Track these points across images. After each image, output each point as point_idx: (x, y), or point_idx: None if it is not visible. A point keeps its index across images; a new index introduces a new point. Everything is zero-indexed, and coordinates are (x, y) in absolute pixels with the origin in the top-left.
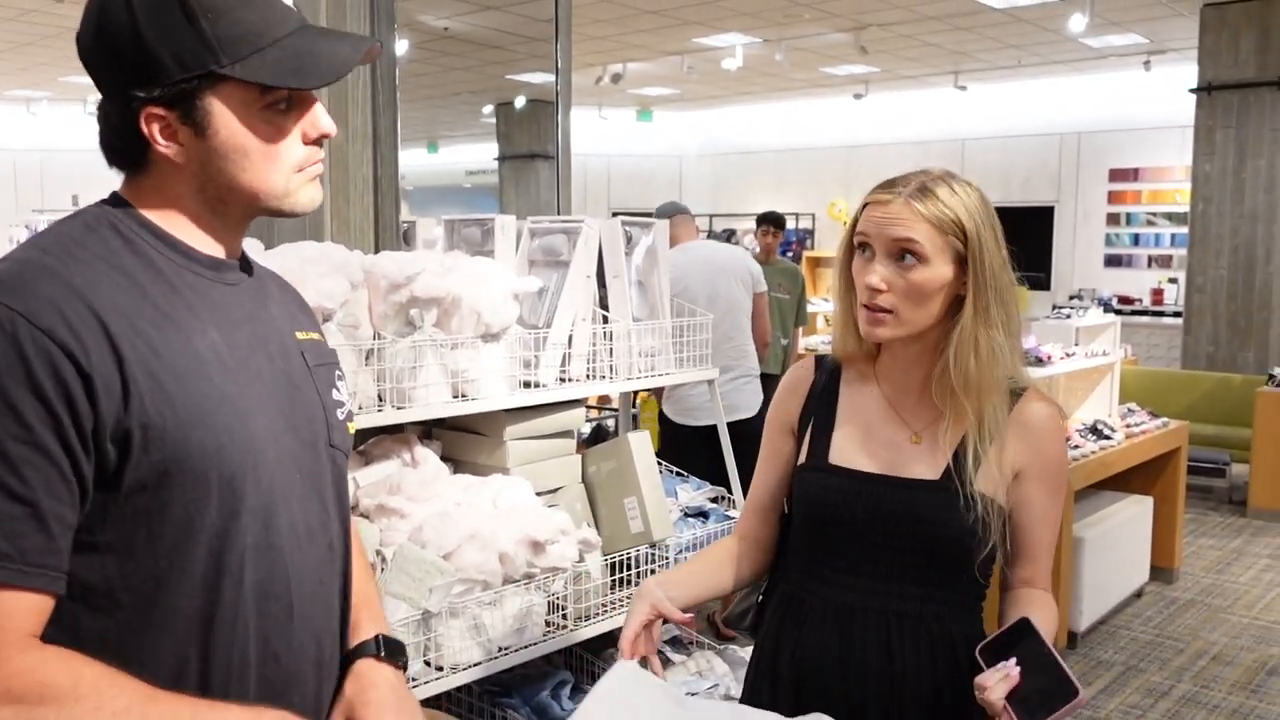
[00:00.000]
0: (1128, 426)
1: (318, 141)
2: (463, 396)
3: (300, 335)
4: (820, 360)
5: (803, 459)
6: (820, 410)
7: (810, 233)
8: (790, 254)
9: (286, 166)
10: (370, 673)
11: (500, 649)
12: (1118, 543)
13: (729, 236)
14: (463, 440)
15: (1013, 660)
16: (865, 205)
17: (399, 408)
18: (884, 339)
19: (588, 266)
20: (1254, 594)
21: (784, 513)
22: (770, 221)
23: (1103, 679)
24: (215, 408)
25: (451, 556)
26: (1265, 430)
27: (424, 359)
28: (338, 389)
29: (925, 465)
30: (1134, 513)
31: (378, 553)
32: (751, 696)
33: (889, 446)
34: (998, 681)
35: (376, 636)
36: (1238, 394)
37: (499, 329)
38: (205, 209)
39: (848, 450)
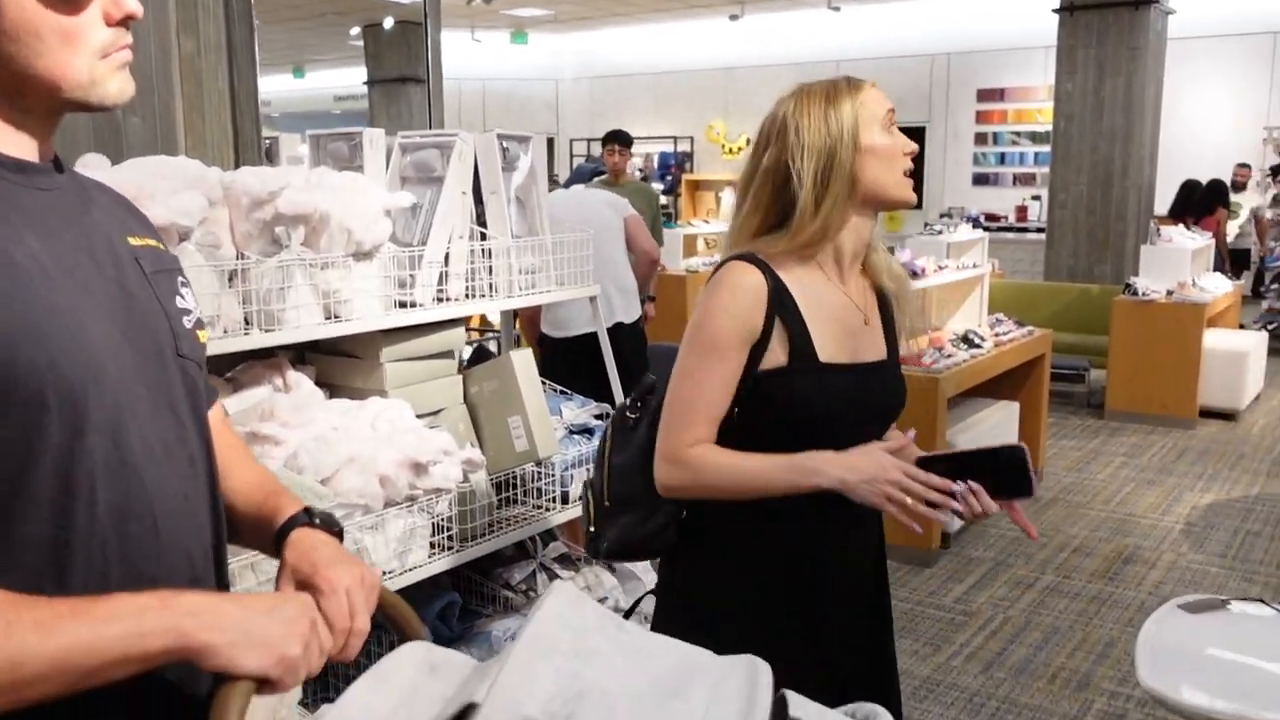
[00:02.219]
0: (996, 335)
1: (123, 24)
2: (335, 318)
3: (133, 241)
4: (760, 263)
5: (784, 361)
6: (785, 312)
7: (689, 155)
8: (669, 177)
9: (88, 51)
10: (308, 538)
11: (384, 572)
12: None
13: (594, 172)
14: (338, 364)
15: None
16: (859, 93)
17: (267, 330)
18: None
19: (463, 182)
20: (1110, 490)
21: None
22: (617, 140)
23: (973, 575)
24: (43, 321)
25: (330, 481)
26: (1121, 337)
27: (292, 279)
28: (182, 296)
29: (877, 346)
30: (1001, 417)
31: None
32: (721, 606)
33: (853, 334)
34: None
35: (306, 508)
36: (1096, 304)
37: (371, 247)
38: (4, 104)
39: (829, 347)
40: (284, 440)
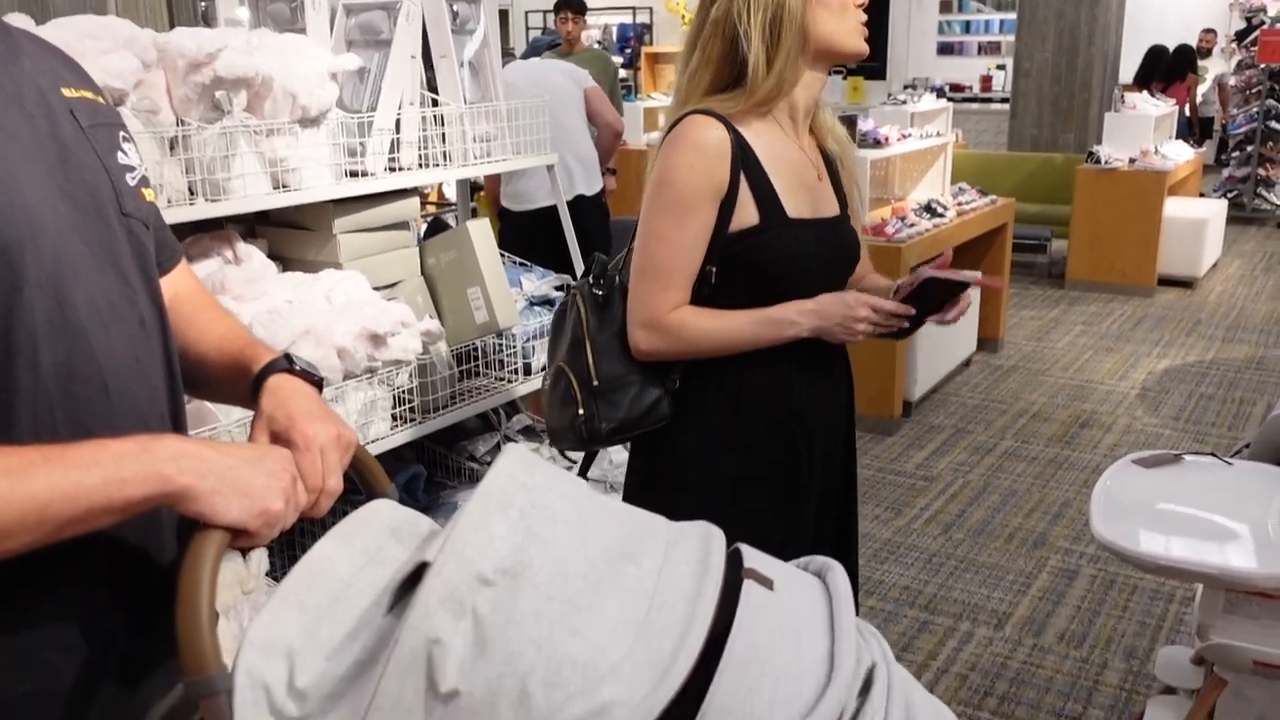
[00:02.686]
0: (959, 205)
1: None
2: (283, 187)
3: (67, 92)
4: (720, 118)
5: (755, 219)
6: (749, 168)
7: (648, 27)
8: (629, 50)
9: None
10: (287, 384)
11: None
12: None
13: (550, 44)
14: (289, 236)
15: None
16: None
17: (213, 200)
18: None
19: (411, 45)
20: (1069, 357)
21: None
22: (569, 7)
23: (934, 441)
24: None
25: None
26: (1083, 205)
27: (236, 147)
28: (124, 152)
29: (831, 201)
30: None
31: None
32: (704, 468)
33: (811, 189)
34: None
35: (285, 354)
36: (1059, 173)
37: (317, 112)
38: None
39: (793, 202)
40: (236, 313)
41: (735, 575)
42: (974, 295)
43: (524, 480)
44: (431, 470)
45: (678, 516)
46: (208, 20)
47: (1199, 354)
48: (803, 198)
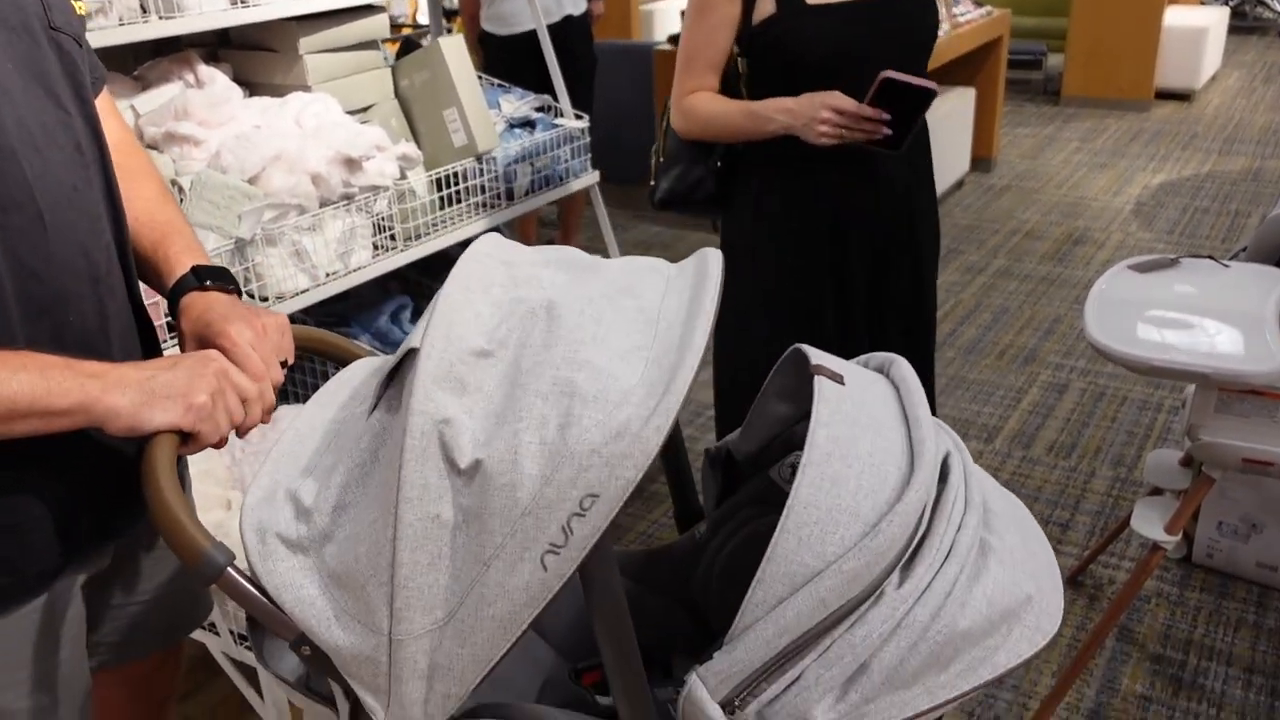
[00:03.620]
0: (953, 17)
1: None
2: (242, 3)
3: None
4: None
5: (772, 11)
6: None
7: None
8: None
9: None
10: (200, 301)
11: (327, 274)
12: (941, 135)
13: None
14: (254, 59)
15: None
16: None
17: (167, 17)
18: None
19: None
20: (1063, 174)
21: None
22: None
23: None
24: None
25: (257, 180)
26: (1081, 17)
27: None
28: None
29: None
30: (957, 105)
31: (173, 183)
32: (746, 253)
33: None
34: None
35: (193, 268)
36: None
37: None
38: None
39: None
40: (204, 140)
41: (803, 369)
42: (969, 107)
43: (501, 258)
44: (418, 302)
45: (730, 304)
46: None
47: (1195, 167)
48: None
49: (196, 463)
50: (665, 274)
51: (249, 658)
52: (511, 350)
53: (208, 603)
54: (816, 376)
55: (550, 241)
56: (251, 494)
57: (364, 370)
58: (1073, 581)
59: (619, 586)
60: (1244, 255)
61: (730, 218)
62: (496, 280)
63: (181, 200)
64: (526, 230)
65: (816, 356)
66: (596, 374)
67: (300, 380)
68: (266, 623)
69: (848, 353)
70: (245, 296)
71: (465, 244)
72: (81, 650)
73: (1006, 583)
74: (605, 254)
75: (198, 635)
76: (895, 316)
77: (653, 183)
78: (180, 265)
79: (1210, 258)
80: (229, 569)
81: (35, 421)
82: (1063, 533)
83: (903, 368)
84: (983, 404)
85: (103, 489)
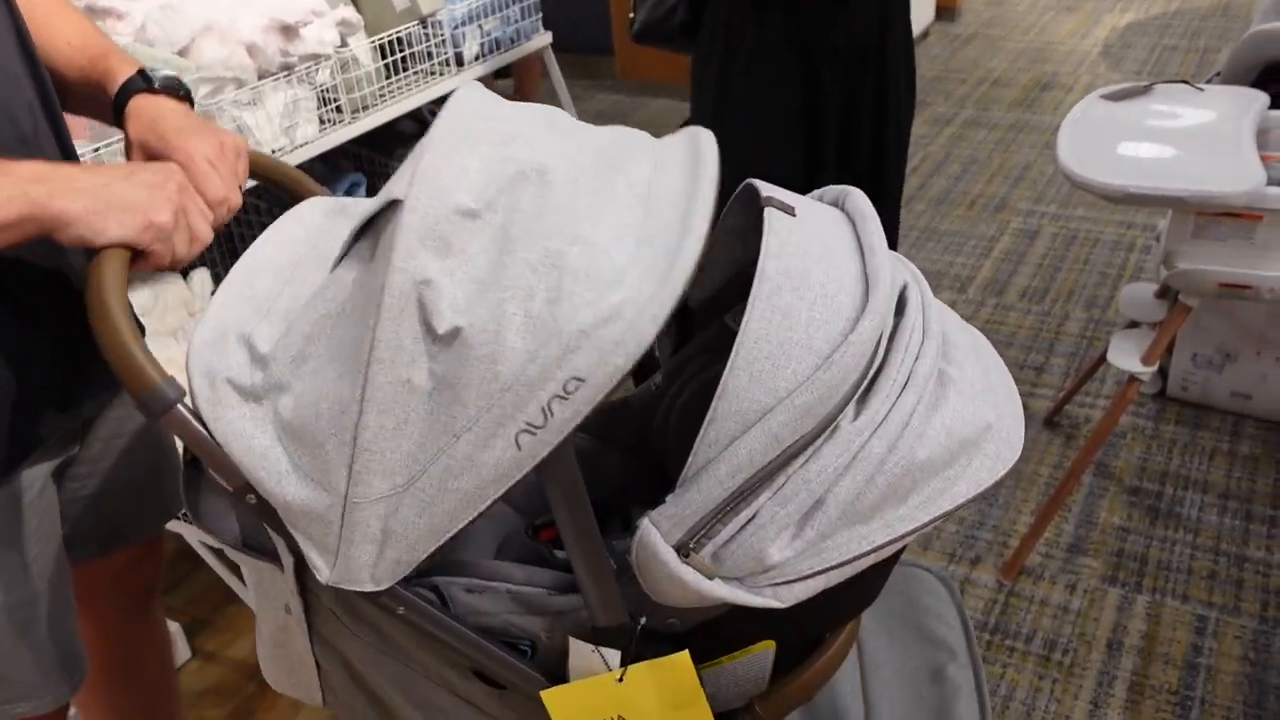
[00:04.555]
0: None
1: None
2: None
3: None
4: None
5: None
6: None
7: None
8: None
9: None
10: (150, 106)
11: (273, 151)
12: None
13: None
14: None
15: None
16: None
17: None
18: None
19: None
20: (1029, 20)
21: None
22: None
23: None
24: None
25: (187, 53)
26: None
27: None
28: None
29: None
30: None
31: None
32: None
33: None
34: None
35: (140, 70)
36: None
37: None
38: None
39: None
40: (126, 12)
41: (754, 204)
42: None
43: (488, 112)
44: (372, 180)
45: (704, 124)
46: None
47: (1162, 5)
48: None
49: (154, 353)
50: (651, 150)
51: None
52: (500, 214)
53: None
54: (766, 209)
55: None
56: (199, 334)
57: (319, 210)
58: (1049, 422)
59: (574, 462)
60: (1218, 80)
61: (700, 50)
62: (484, 136)
63: None
64: None
65: (767, 189)
66: (589, 250)
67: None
68: (214, 468)
69: (815, 183)
70: None
71: (414, 115)
72: (57, 541)
73: (966, 412)
74: None
75: (174, 526)
76: (863, 154)
77: (631, 15)
78: (123, 73)
79: (1185, 82)
80: (178, 405)
81: None
82: (1038, 376)
83: (858, 199)
84: (955, 254)
85: (62, 371)
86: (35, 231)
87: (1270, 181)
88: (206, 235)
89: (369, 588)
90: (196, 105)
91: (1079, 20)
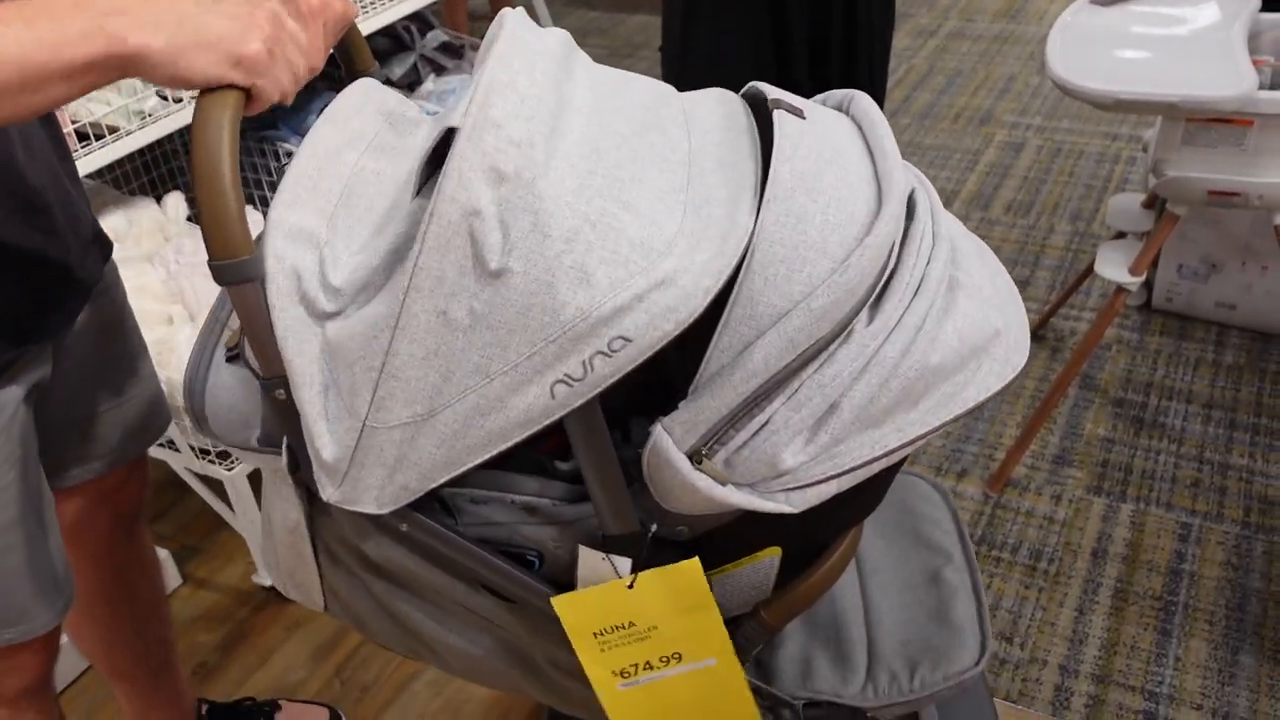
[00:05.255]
0: None
1: None
2: None
3: None
4: None
5: None
6: None
7: None
8: None
9: None
10: None
11: None
12: None
13: None
14: None
15: None
16: None
17: None
18: None
19: None
20: None
21: None
22: None
23: None
24: None
25: None
26: None
27: None
28: None
29: None
30: None
31: None
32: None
33: None
34: None
35: None
36: None
37: None
38: None
39: None
40: None
41: (763, 108)
42: None
43: (537, 46)
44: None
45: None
46: None
47: None
48: None
49: (129, 279)
50: (680, 107)
51: (216, 472)
52: (558, 158)
53: (165, 416)
54: (775, 111)
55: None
56: (277, 211)
57: (372, 107)
58: (1034, 336)
59: (598, 405)
60: None
61: None
62: (538, 65)
63: None
64: (456, 20)
65: (774, 92)
66: (639, 218)
67: None
68: (258, 352)
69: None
70: (156, 99)
71: (393, 37)
72: (35, 464)
73: (976, 317)
74: None
75: (159, 454)
76: (834, 70)
77: None
78: None
79: None
80: (253, 281)
81: (56, 87)
82: (1024, 289)
83: (863, 102)
84: (940, 168)
85: (23, 291)
86: (117, 72)
87: (1261, 86)
88: (303, 73)
89: (372, 510)
90: None
91: None
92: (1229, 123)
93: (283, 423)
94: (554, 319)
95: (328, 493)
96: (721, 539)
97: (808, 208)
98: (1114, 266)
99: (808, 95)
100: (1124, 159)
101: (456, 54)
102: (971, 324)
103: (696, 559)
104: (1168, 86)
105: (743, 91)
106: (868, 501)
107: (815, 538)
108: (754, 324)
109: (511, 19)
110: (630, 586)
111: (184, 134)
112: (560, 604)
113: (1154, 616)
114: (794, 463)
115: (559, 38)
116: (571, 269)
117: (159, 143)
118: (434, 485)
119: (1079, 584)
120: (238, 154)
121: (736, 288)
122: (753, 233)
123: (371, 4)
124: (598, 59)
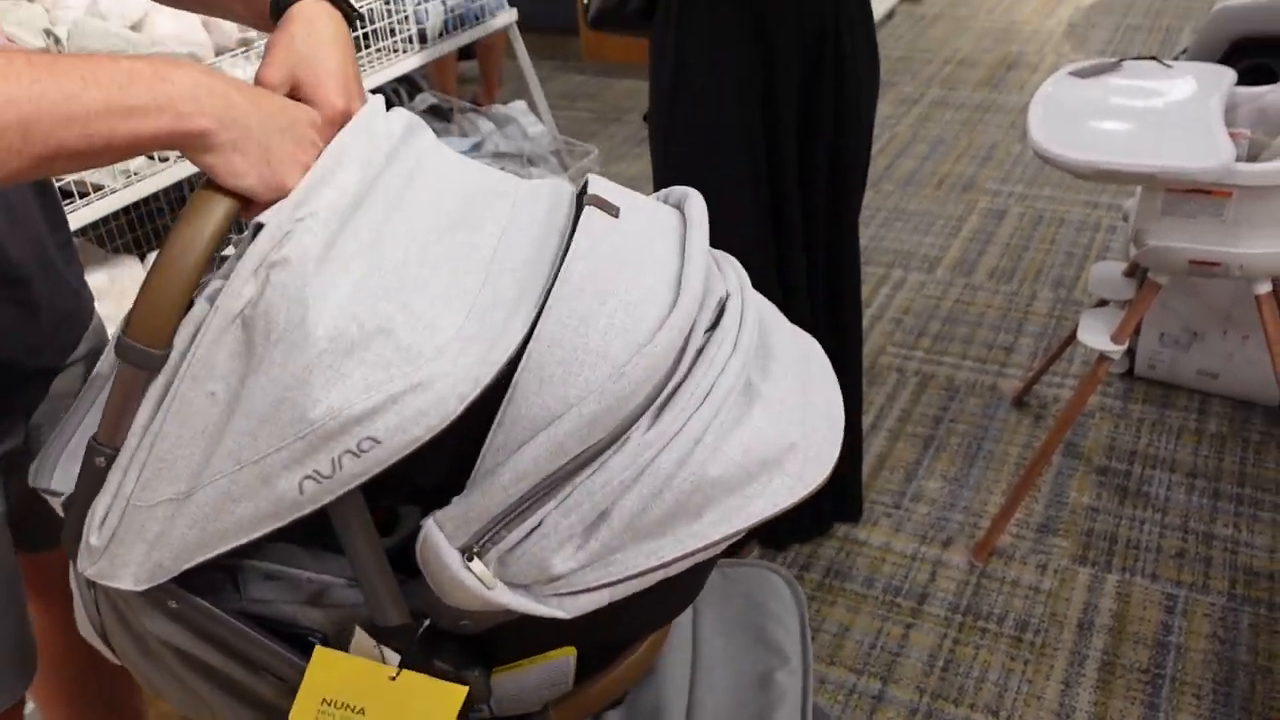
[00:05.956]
0: None
1: None
2: None
3: None
4: None
5: None
6: None
7: None
8: None
9: None
10: (306, 12)
11: None
12: None
13: None
14: None
15: None
16: None
17: None
18: None
19: None
20: (993, 0)
21: None
22: None
23: None
24: None
25: (141, 27)
26: None
27: None
28: None
29: None
30: None
31: (47, 32)
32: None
33: None
34: None
35: None
36: None
37: None
38: None
39: None
40: None
41: (579, 205)
42: None
43: (384, 130)
44: None
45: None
46: None
47: None
48: None
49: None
50: (512, 201)
51: None
52: (352, 244)
53: None
54: (587, 208)
55: (473, 98)
56: None
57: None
58: (1018, 402)
59: (358, 497)
60: (1185, 56)
61: (656, 33)
62: (360, 157)
63: (59, 51)
64: (445, 83)
65: (597, 186)
66: (413, 320)
67: None
68: (115, 419)
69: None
70: (142, 157)
71: (377, 92)
72: (3, 533)
73: (769, 431)
74: (532, 106)
75: None
76: (823, 132)
77: (585, 1)
78: None
79: (1153, 58)
80: (149, 371)
81: (111, 154)
82: (1007, 356)
83: (694, 202)
84: (923, 234)
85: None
86: (170, 146)
87: (1239, 158)
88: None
89: (128, 586)
90: None
91: (1044, 0)
92: (1208, 194)
93: (83, 486)
94: (303, 415)
95: (83, 564)
96: (512, 635)
97: (594, 309)
98: (1096, 334)
99: (795, 151)
100: (1105, 227)
101: (445, 117)
102: (762, 438)
103: (466, 689)
104: (1146, 157)
105: (580, 187)
106: (667, 606)
107: (613, 638)
108: (528, 425)
109: (366, 108)
110: (393, 679)
111: (169, 193)
112: (321, 655)
113: (1141, 690)
114: (564, 568)
115: (405, 123)
116: (330, 368)
117: (144, 201)
118: (187, 566)
119: (1065, 656)
120: (211, 260)
121: (512, 387)
122: (528, 335)
123: (362, 67)
124: (584, 123)
